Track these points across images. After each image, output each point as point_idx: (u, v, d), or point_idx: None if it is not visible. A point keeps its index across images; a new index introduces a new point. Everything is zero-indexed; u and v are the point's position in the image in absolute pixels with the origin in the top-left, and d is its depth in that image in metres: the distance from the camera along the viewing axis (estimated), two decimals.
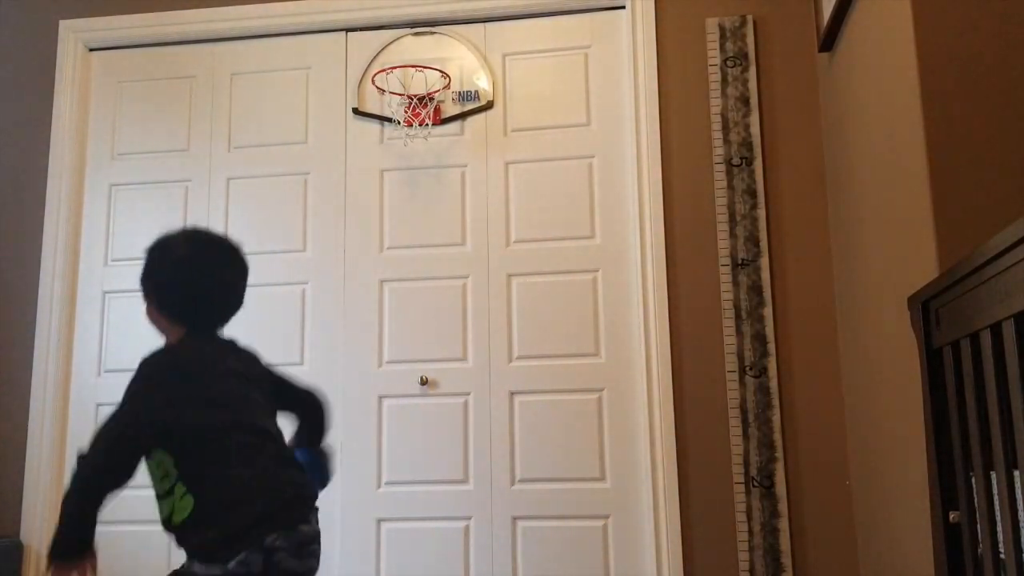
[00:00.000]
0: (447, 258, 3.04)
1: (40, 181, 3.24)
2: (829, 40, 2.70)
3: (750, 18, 2.98)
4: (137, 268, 3.16)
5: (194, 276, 1.71)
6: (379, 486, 2.95)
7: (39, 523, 3.02)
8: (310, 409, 1.91)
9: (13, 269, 3.21)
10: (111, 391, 3.14)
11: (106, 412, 3.10)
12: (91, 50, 3.37)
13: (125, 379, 3.19)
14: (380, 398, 3.00)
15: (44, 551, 3.01)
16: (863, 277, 2.45)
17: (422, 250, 3.08)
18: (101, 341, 3.17)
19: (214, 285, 1.72)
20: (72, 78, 3.29)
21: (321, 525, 2.95)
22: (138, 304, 3.13)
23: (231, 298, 1.75)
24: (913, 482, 2.02)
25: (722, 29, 2.98)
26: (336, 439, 3.00)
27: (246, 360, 1.78)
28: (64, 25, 3.33)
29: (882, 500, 2.35)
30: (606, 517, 2.85)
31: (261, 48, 3.29)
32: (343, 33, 3.25)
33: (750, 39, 2.96)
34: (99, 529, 3.12)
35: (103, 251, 3.23)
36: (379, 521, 2.93)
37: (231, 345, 1.77)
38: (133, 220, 3.24)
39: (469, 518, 2.88)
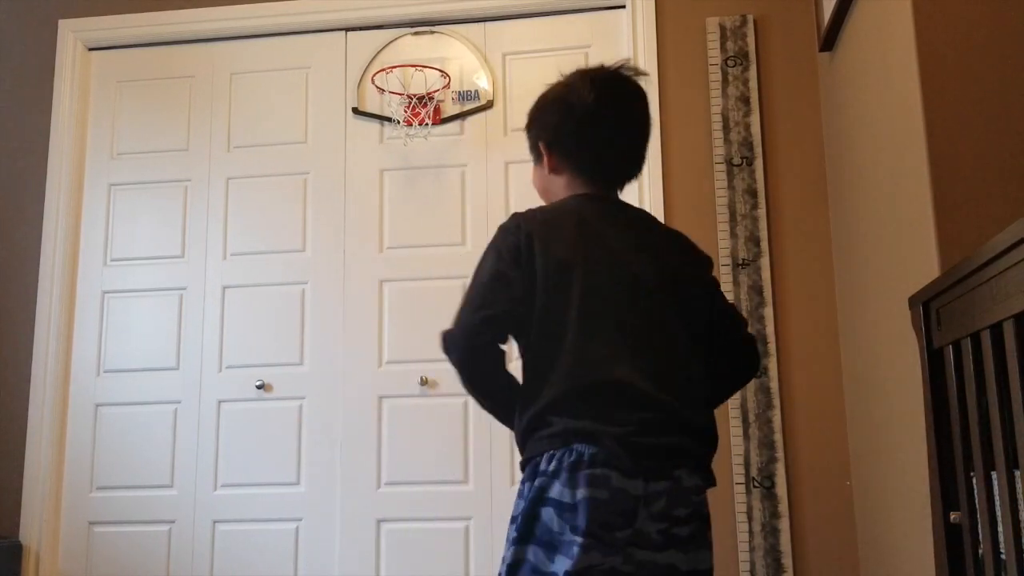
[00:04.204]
0: (447, 258, 3.04)
1: (39, 181, 3.24)
2: (830, 39, 2.69)
3: (751, 17, 2.97)
4: (137, 268, 3.19)
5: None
6: (379, 486, 2.95)
7: (38, 524, 3.02)
8: None
9: (12, 269, 3.20)
10: (111, 391, 3.14)
11: (105, 412, 3.12)
12: (90, 49, 3.36)
13: (125, 379, 3.22)
14: (380, 398, 2.99)
15: (43, 552, 3.01)
16: (864, 277, 2.44)
17: (422, 250, 3.07)
18: (100, 341, 3.17)
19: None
20: (71, 77, 3.29)
21: (320, 526, 2.96)
22: (137, 304, 3.16)
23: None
24: (914, 482, 2.01)
25: (723, 28, 2.98)
26: (335, 439, 3.00)
27: None
28: (63, 24, 3.32)
29: (883, 500, 2.34)
30: None
31: (261, 48, 3.29)
32: (343, 32, 3.24)
33: (751, 38, 2.96)
34: (99, 530, 3.13)
35: (102, 251, 3.23)
36: (379, 522, 2.93)
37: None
38: (132, 220, 3.23)
39: (469, 518, 2.87)
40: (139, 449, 3.08)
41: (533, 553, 1.24)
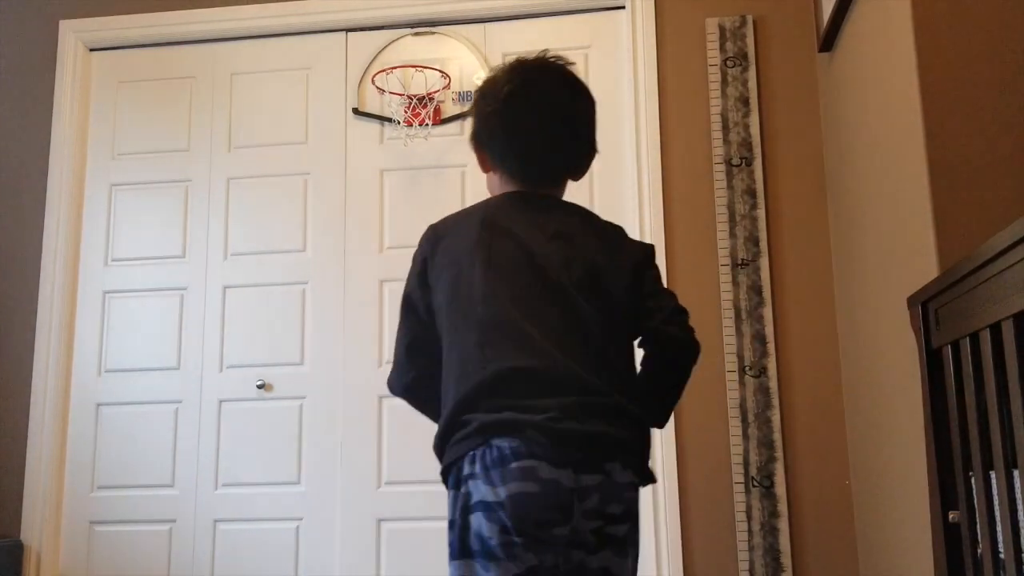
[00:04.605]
0: None
1: (40, 181, 3.24)
2: (829, 40, 2.70)
3: (750, 18, 2.98)
4: (138, 268, 3.19)
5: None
6: (379, 486, 2.96)
7: (39, 524, 3.02)
8: None
9: (13, 269, 3.21)
10: (111, 391, 3.14)
11: (106, 412, 3.13)
12: (91, 50, 3.37)
13: (126, 379, 3.23)
14: (380, 398, 3.00)
15: (44, 551, 3.02)
16: (863, 277, 2.45)
17: None
18: (101, 341, 3.18)
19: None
20: (72, 78, 3.29)
21: (320, 525, 2.97)
22: (138, 304, 3.16)
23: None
24: (912, 482, 2.02)
25: (722, 29, 2.98)
26: (336, 439, 3.00)
27: None
28: (64, 25, 3.33)
29: (881, 500, 2.35)
30: None
31: (261, 48, 3.29)
32: (343, 33, 3.25)
33: (750, 39, 2.96)
34: (100, 529, 3.14)
35: (103, 251, 3.23)
36: (379, 521, 2.93)
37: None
38: (133, 220, 3.24)
39: None
40: (140, 449, 3.09)
41: (471, 568, 1.13)
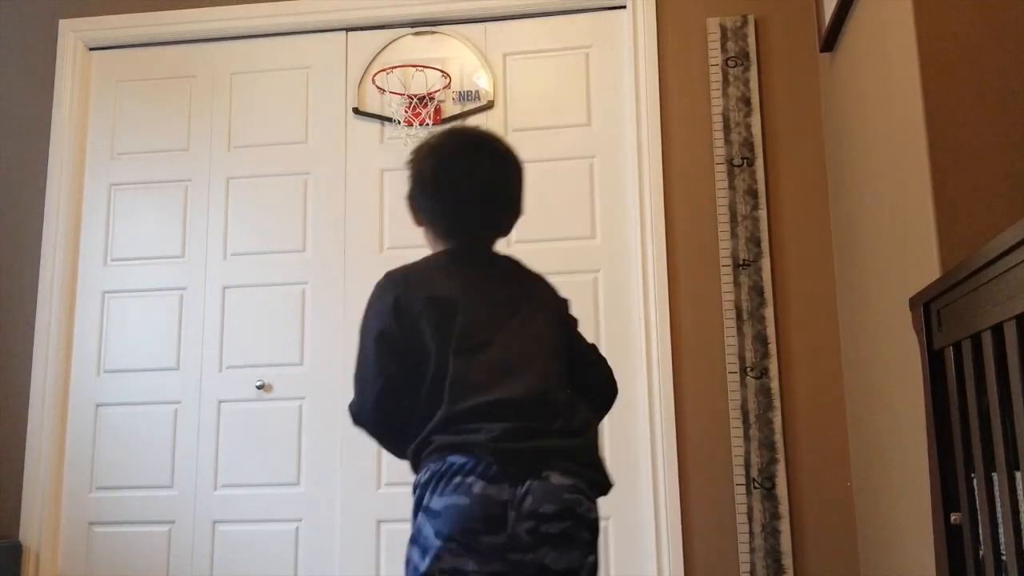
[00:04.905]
0: None
1: (39, 180, 3.24)
2: (831, 40, 2.69)
3: (751, 18, 2.97)
4: (137, 267, 3.19)
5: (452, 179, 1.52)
6: (379, 487, 2.95)
7: (38, 524, 3.01)
8: None
9: (12, 269, 3.20)
10: (110, 391, 3.13)
11: (105, 412, 3.12)
12: (91, 49, 3.36)
13: (125, 379, 3.22)
14: None
15: (43, 552, 3.01)
16: (865, 278, 2.44)
17: (422, 251, 3.06)
18: (100, 341, 3.17)
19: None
20: (72, 77, 3.29)
21: (320, 526, 2.96)
22: (137, 304, 3.16)
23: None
24: (914, 483, 2.01)
25: (723, 29, 2.98)
26: (335, 440, 2.99)
27: None
28: (64, 24, 3.32)
29: (883, 501, 2.34)
30: (607, 518, 2.84)
31: (261, 48, 3.29)
32: (343, 32, 3.24)
33: (751, 39, 2.96)
34: (99, 530, 3.13)
35: (102, 251, 3.23)
36: (379, 522, 2.93)
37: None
38: (133, 220, 3.23)
39: None
40: (139, 449, 3.08)
41: (415, 553, 1.32)
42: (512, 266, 1.57)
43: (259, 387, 3.05)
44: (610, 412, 2.96)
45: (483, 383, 1.37)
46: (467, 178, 1.51)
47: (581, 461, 1.35)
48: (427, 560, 1.28)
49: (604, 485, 1.39)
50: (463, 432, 1.32)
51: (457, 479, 1.29)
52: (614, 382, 1.59)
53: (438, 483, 1.30)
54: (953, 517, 1.58)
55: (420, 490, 1.34)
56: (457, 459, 1.30)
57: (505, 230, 1.57)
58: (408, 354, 1.44)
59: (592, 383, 1.54)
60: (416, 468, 1.39)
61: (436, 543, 1.28)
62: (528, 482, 1.28)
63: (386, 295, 1.49)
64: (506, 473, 1.28)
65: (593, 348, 1.60)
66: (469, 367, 1.38)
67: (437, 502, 1.29)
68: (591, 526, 1.34)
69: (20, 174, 3.27)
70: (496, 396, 1.35)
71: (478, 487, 1.28)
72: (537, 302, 1.51)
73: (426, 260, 1.56)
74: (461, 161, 1.53)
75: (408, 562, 1.34)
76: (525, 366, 1.40)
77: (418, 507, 1.33)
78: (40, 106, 3.29)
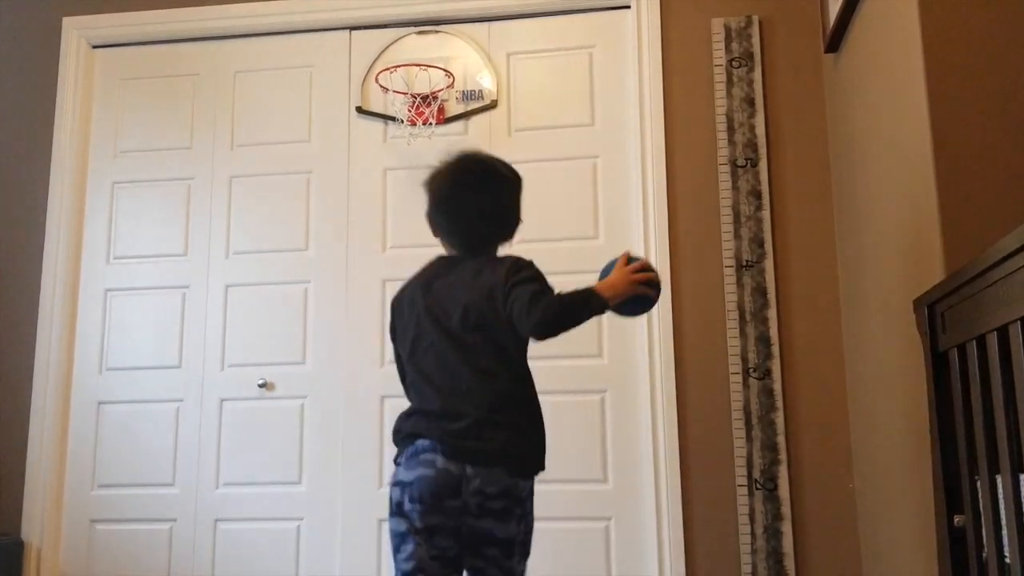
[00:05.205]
0: None
1: (43, 178, 3.24)
2: (835, 41, 2.69)
3: (756, 18, 2.97)
4: (139, 265, 3.19)
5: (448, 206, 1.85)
6: (380, 486, 2.95)
7: (40, 521, 3.02)
8: None
9: (15, 266, 3.20)
10: (112, 389, 3.14)
11: (107, 410, 3.12)
12: (94, 47, 3.36)
13: (127, 377, 3.22)
14: (382, 398, 2.99)
15: (45, 549, 3.01)
16: (869, 279, 2.43)
17: (425, 250, 3.04)
18: (103, 339, 3.17)
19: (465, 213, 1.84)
20: (75, 75, 3.29)
21: (321, 525, 2.96)
22: (140, 302, 3.15)
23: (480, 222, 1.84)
24: (917, 485, 2.01)
25: (727, 29, 2.97)
26: (337, 439, 2.99)
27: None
28: (68, 22, 3.33)
29: (886, 503, 2.33)
30: (608, 519, 2.83)
31: (265, 46, 3.29)
32: (347, 31, 3.24)
33: (756, 39, 2.95)
34: (100, 528, 3.13)
35: (105, 249, 3.23)
36: (380, 521, 2.92)
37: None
38: (135, 218, 3.23)
39: None
40: (141, 447, 3.08)
41: (393, 522, 1.71)
42: (473, 270, 1.80)
43: (261, 385, 3.05)
44: (611, 412, 2.95)
45: (431, 390, 1.73)
46: (462, 202, 1.83)
47: (515, 454, 1.70)
48: (412, 521, 1.66)
49: (522, 471, 1.71)
50: (421, 424, 1.71)
51: (424, 455, 1.67)
52: (543, 329, 1.70)
53: (409, 460, 1.69)
54: (956, 519, 1.58)
55: (395, 468, 1.73)
56: (423, 442, 1.68)
57: (505, 238, 1.87)
58: (398, 357, 1.87)
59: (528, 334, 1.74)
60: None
61: (411, 506, 1.66)
62: (474, 469, 1.65)
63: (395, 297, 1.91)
64: (457, 456, 1.66)
65: (518, 312, 1.71)
66: (421, 373, 1.76)
67: (408, 475, 1.67)
68: (524, 501, 1.71)
69: (23, 172, 3.27)
70: (438, 404, 1.71)
71: (440, 462, 1.66)
72: (482, 292, 1.75)
73: (422, 270, 1.90)
74: (458, 187, 1.84)
75: (391, 531, 1.71)
76: (463, 368, 1.72)
77: (393, 483, 1.71)
78: (43, 104, 3.29)
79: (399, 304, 1.87)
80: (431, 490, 1.65)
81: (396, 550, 1.70)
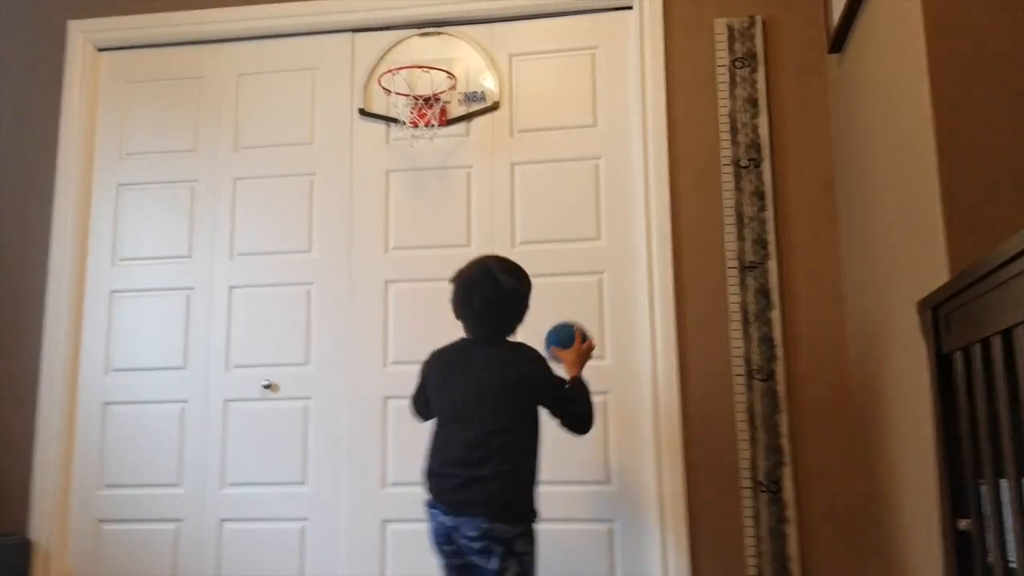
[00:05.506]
0: (452, 259, 3.00)
1: (48, 180, 3.25)
2: (839, 41, 2.68)
3: (759, 19, 2.96)
4: (144, 267, 3.19)
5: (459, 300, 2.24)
6: (384, 487, 2.95)
7: (48, 521, 3.03)
8: None
9: (21, 268, 3.21)
10: (118, 390, 3.15)
11: (113, 410, 3.13)
12: (100, 50, 3.37)
13: (132, 378, 3.23)
14: (386, 399, 2.99)
15: (52, 549, 3.02)
16: (873, 281, 2.43)
17: (427, 251, 3.07)
18: (108, 340, 3.18)
19: (469, 310, 2.22)
20: (81, 78, 3.30)
21: (325, 525, 2.96)
22: (145, 303, 3.16)
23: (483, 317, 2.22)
24: (922, 488, 2.00)
25: (730, 30, 2.97)
26: (341, 439, 3.00)
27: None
28: (73, 25, 3.33)
29: (891, 506, 2.33)
30: (611, 521, 2.83)
31: (268, 49, 3.29)
32: (350, 34, 3.24)
33: (759, 40, 2.95)
34: (107, 528, 3.14)
35: (110, 250, 3.24)
36: (384, 522, 2.93)
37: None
38: (140, 220, 3.24)
39: None
40: (147, 447, 3.09)
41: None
42: (502, 352, 2.22)
43: (265, 387, 3.05)
44: (615, 413, 2.96)
45: (441, 445, 2.18)
46: (474, 302, 2.20)
47: (500, 501, 2.08)
48: (435, 554, 2.18)
49: (519, 514, 2.12)
50: (434, 481, 2.17)
51: (432, 511, 2.16)
52: (587, 417, 2.25)
53: (428, 514, 2.18)
54: (961, 523, 1.57)
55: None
56: (430, 503, 2.17)
57: (510, 331, 2.25)
58: (422, 404, 2.36)
59: (570, 413, 2.24)
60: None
61: (433, 544, 2.18)
62: (461, 518, 2.08)
63: (423, 367, 2.34)
64: (449, 509, 2.11)
65: (572, 388, 2.25)
66: (440, 427, 2.21)
67: (428, 526, 2.17)
68: (505, 542, 2.07)
69: (29, 174, 3.28)
70: (440, 462, 2.16)
71: (440, 517, 2.13)
72: (500, 370, 2.18)
73: (450, 345, 2.30)
74: (471, 290, 2.20)
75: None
76: (473, 428, 2.13)
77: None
78: (49, 106, 3.30)
79: (432, 367, 2.29)
80: (435, 538, 2.16)
81: None
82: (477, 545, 2.06)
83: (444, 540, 2.13)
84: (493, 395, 2.15)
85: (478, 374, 2.18)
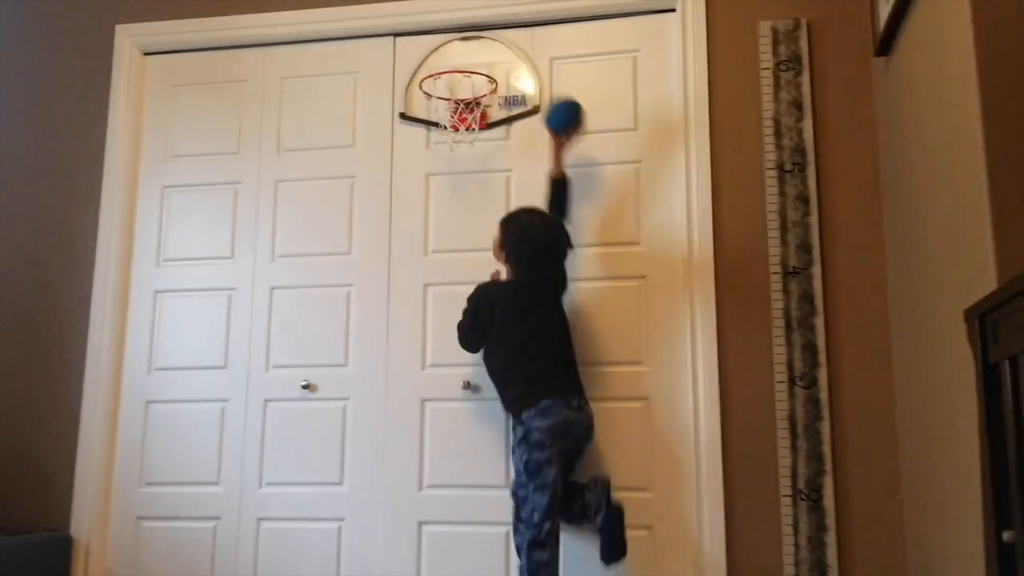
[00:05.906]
0: (491, 262, 3.02)
1: (95, 182, 3.32)
2: (886, 44, 2.63)
3: (804, 21, 2.92)
4: (188, 268, 3.25)
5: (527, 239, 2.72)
6: (421, 488, 2.96)
7: (89, 518, 3.08)
8: None
9: (68, 268, 3.29)
10: (161, 388, 3.20)
11: (155, 409, 3.18)
12: (146, 54, 3.44)
13: (174, 377, 3.28)
14: (423, 401, 3.00)
15: (92, 545, 3.08)
16: (919, 288, 2.38)
17: (466, 254, 3.08)
18: (152, 339, 3.24)
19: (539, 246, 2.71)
20: (127, 81, 3.37)
21: (362, 526, 2.98)
22: (188, 304, 3.21)
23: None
24: (966, 499, 1.96)
25: (775, 32, 2.93)
26: (379, 441, 3.01)
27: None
28: (120, 30, 3.41)
29: (933, 516, 2.28)
30: (649, 527, 2.81)
31: (311, 53, 3.33)
32: (391, 38, 3.27)
33: (804, 42, 2.91)
34: (146, 525, 3.18)
35: (155, 251, 3.30)
36: (420, 524, 2.94)
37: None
38: (184, 221, 3.30)
39: (510, 523, 2.86)
40: (187, 446, 3.14)
41: (531, 453, 2.53)
42: (547, 289, 2.73)
43: (304, 387, 3.08)
44: (654, 419, 2.93)
45: (534, 357, 2.63)
46: (533, 242, 2.69)
47: (586, 398, 2.66)
48: (543, 452, 2.52)
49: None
50: (546, 384, 2.59)
51: (552, 408, 2.54)
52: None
53: (539, 414, 2.54)
54: (1005, 535, 1.53)
55: (527, 421, 2.57)
56: (545, 400, 2.55)
57: (552, 268, 2.74)
58: (484, 333, 2.73)
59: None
60: (516, 413, 2.64)
61: (545, 439, 2.52)
62: (576, 412, 2.58)
63: (480, 296, 2.75)
64: (566, 407, 2.56)
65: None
66: (523, 345, 2.65)
67: (541, 423, 2.53)
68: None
69: (77, 176, 3.35)
70: (546, 361, 2.63)
71: (562, 412, 2.55)
72: (552, 292, 2.75)
73: (502, 284, 2.77)
74: (530, 229, 2.71)
75: (523, 458, 2.55)
76: (547, 340, 2.65)
77: (526, 432, 2.56)
78: (97, 109, 3.37)
79: (495, 297, 2.72)
80: (550, 435, 2.53)
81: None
82: (584, 432, 2.63)
83: (562, 434, 2.53)
84: (554, 320, 2.72)
85: (543, 296, 2.72)
